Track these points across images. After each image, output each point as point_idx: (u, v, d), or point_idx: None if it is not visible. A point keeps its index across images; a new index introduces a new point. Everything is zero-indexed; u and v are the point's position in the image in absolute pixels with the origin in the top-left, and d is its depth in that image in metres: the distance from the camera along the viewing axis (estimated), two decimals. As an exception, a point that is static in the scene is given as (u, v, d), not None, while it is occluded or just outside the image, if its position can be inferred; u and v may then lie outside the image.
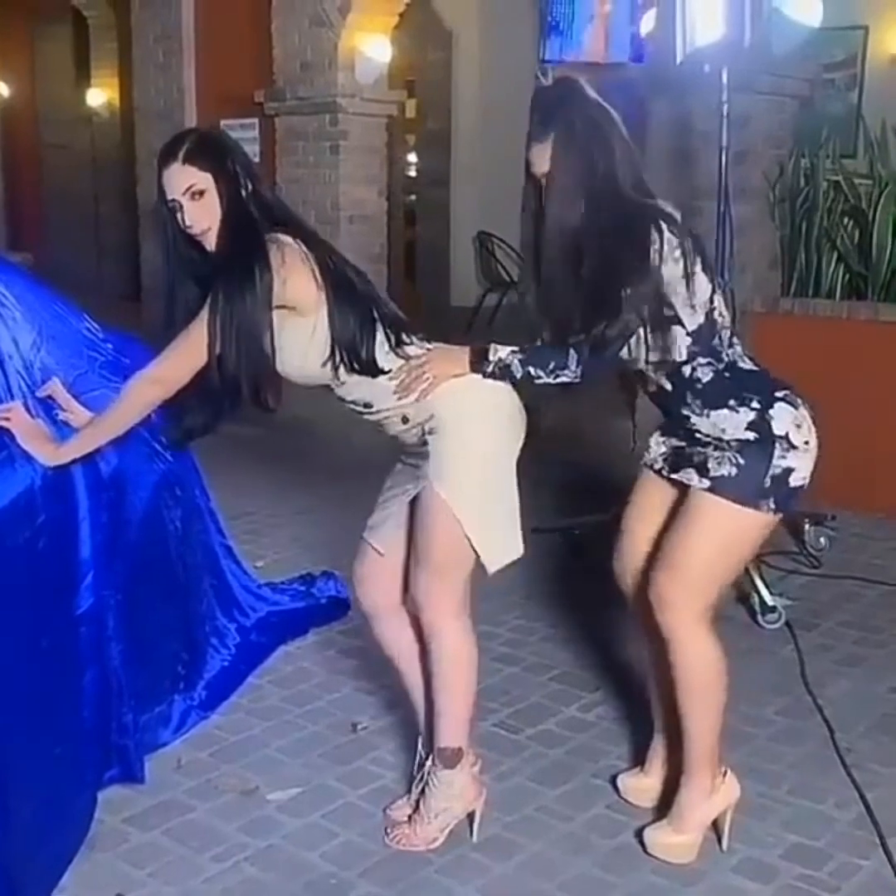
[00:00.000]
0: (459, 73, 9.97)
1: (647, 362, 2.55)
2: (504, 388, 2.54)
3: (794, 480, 2.48)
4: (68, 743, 2.66)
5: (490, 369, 2.50)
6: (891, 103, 5.58)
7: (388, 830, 2.69)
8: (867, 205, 5.22)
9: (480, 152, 10.03)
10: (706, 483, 2.49)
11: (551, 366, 2.46)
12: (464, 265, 10.19)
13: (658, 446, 2.66)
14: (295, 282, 2.40)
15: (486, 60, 9.93)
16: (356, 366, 2.48)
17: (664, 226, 2.41)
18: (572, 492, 5.03)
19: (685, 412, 2.54)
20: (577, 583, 4.22)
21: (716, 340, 2.51)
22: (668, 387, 2.55)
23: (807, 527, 4.54)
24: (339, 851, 2.65)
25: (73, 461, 2.65)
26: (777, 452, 2.45)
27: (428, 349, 2.55)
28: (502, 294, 9.78)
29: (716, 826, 2.67)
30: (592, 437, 5.71)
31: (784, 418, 2.47)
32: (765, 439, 2.46)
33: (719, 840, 2.67)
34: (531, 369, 2.48)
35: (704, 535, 2.51)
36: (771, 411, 2.47)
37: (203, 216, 2.44)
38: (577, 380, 2.46)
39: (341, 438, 5.52)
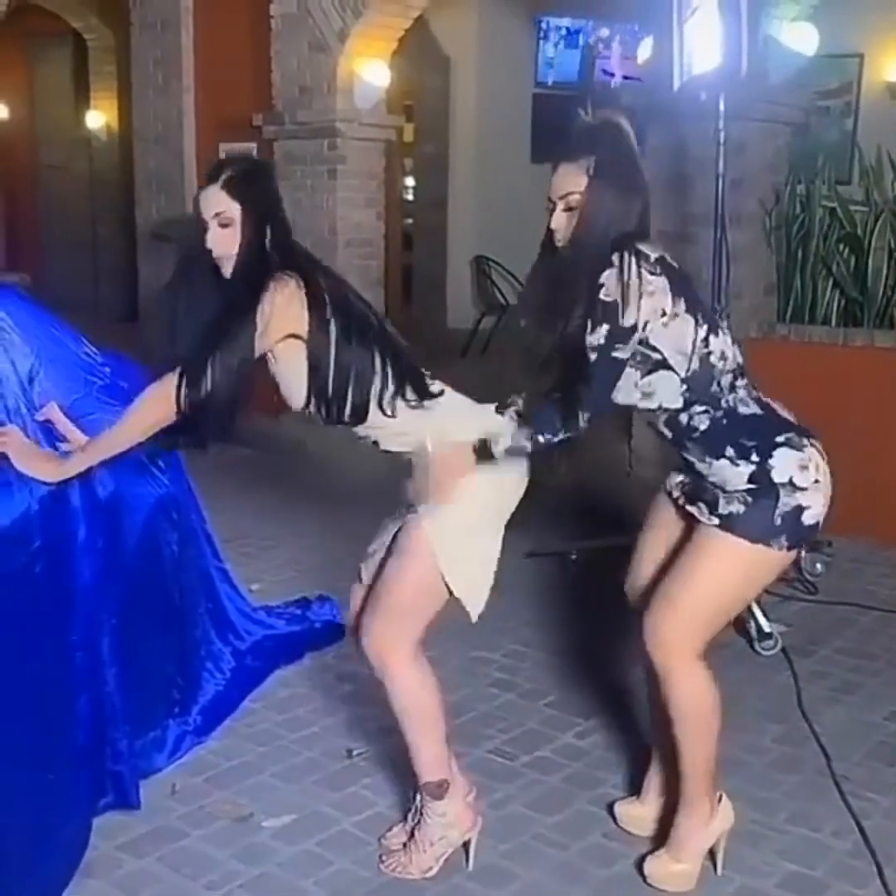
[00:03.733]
0: (457, 98, 10.03)
1: (638, 410, 2.52)
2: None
3: (808, 518, 2.46)
4: (61, 769, 2.64)
5: (500, 459, 2.49)
6: (886, 130, 5.63)
7: (383, 858, 2.67)
8: (863, 231, 5.25)
9: (477, 177, 10.07)
10: (715, 520, 2.48)
11: (558, 424, 2.40)
12: (460, 288, 10.22)
13: (677, 474, 2.65)
14: (277, 325, 2.40)
15: (483, 86, 9.98)
16: (334, 413, 2.48)
17: (636, 261, 2.35)
18: (569, 516, 5.03)
19: (688, 458, 2.54)
20: (574, 608, 4.21)
21: (715, 387, 2.45)
22: (668, 434, 2.54)
23: (803, 553, 4.53)
24: (334, 879, 2.64)
25: (70, 484, 2.65)
26: (783, 496, 2.44)
27: (436, 396, 2.54)
28: (498, 317, 9.80)
29: (711, 852, 2.66)
30: (590, 461, 5.71)
31: (786, 465, 2.45)
32: (768, 489, 2.44)
33: (714, 866, 2.66)
34: (540, 438, 2.43)
35: (708, 572, 2.49)
36: (771, 461, 2.44)
37: (224, 243, 2.46)
38: (579, 435, 2.43)
39: (338, 461, 5.53)
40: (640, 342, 2.39)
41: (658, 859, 2.62)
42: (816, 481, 2.47)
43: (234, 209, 2.45)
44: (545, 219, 2.50)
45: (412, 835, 2.66)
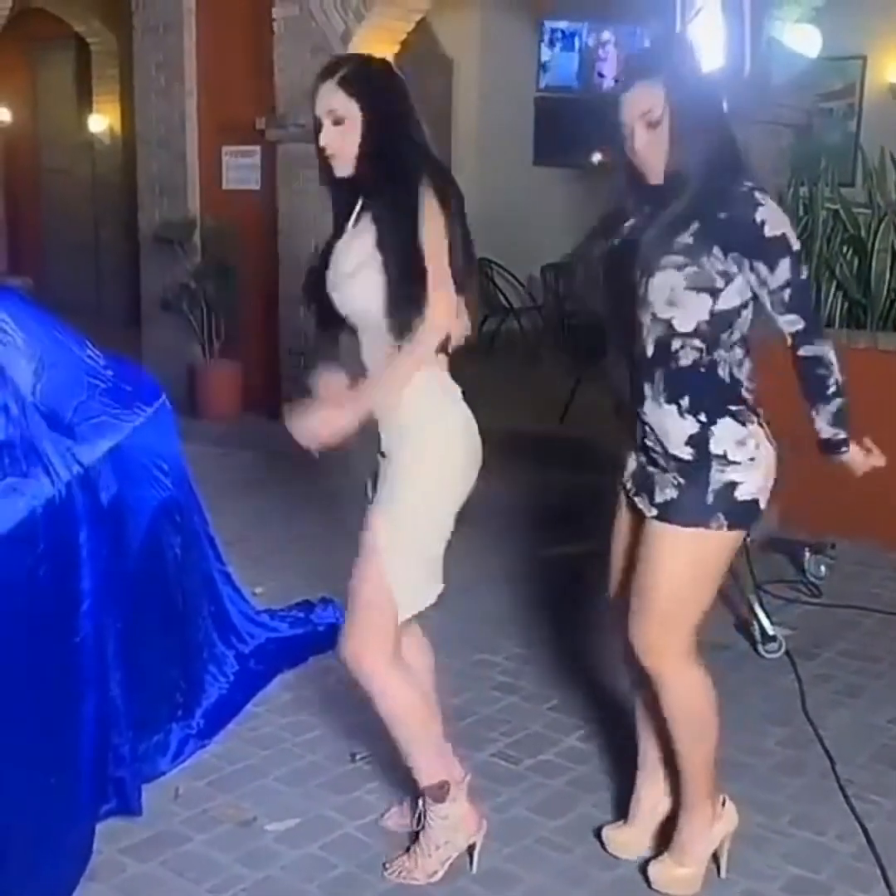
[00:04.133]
0: (459, 99, 10.04)
1: (653, 314, 2.40)
2: (468, 422, 2.52)
3: (742, 494, 2.43)
4: (65, 773, 2.64)
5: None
6: (889, 132, 5.62)
7: (387, 864, 2.66)
8: (866, 234, 5.24)
9: (480, 179, 10.07)
10: (654, 511, 2.48)
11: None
12: (463, 291, 10.22)
13: (628, 465, 2.60)
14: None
15: (485, 88, 10.00)
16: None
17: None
18: (573, 516, 5.02)
19: (645, 392, 2.46)
20: (577, 610, 4.20)
21: (724, 335, 2.41)
22: (649, 352, 2.44)
23: (807, 555, 4.53)
24: (337, 883, 2.64)
25: (72, 488, 2.65)
26: (715, 468, 2.42)
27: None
28: (501, 320, 9.81)
29: (714, 855, 2.66)
30: (594, 462, 5.70)
31: (724, 436, 2.43)
32: (700, 458, 2.42)
33: (718, 869, 2.66)
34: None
35: (663, 566, 2.47)
36: (713, 427, 2.42)
37: (336, 141, 2.39)
38: None
39: (341, 463, 5.53)
40: (736, 261, 2.36)
41: (661, 863, 2.62)
42: (752, 459, 2.44)
43: (350, 107, 2.37)
44: (627, 146, 2.38)
45: (416, 838, 2.65)
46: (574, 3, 9.01)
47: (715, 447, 2.43)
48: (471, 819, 2.66)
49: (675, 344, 2.42)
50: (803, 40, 5.31)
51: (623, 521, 2.67)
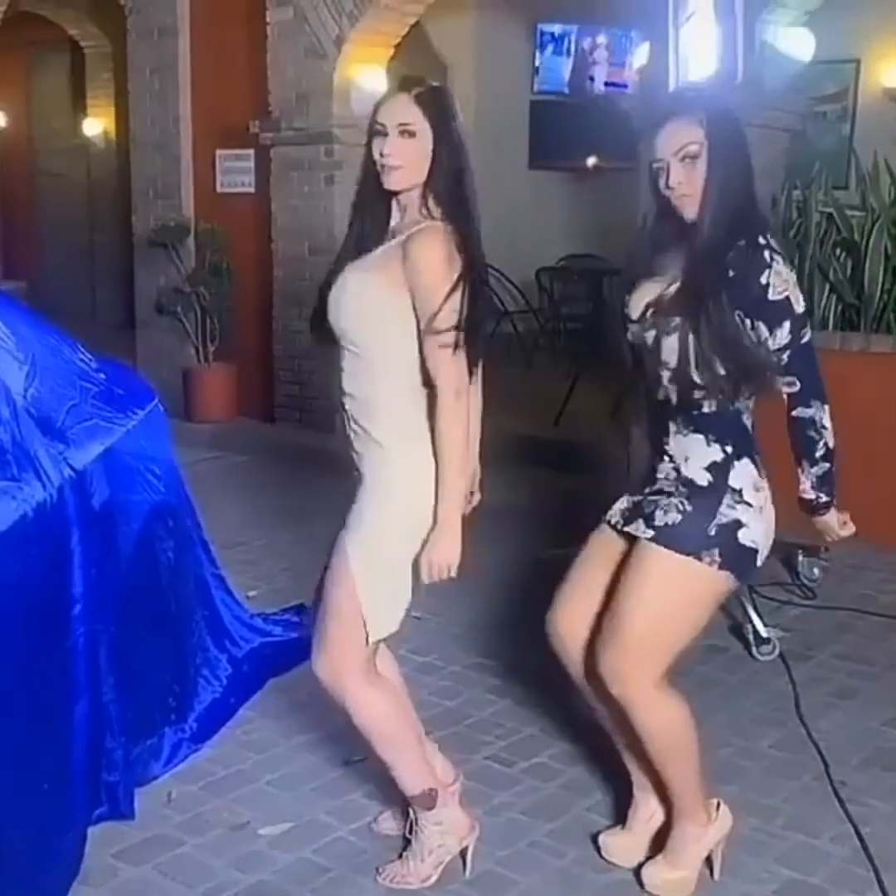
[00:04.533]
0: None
1: (671, 370, 2.41)
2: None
3: (744, 537, 2.43)
4: (57, 778, 2.63)
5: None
6: (883, 135, 5.62)
7: (381, 869, 2.66)
8: (859, 236, 5.24)
9: (476, 182, 10.07)
10: (650, 532, 2.45)
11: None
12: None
13: (618, 503, 2.60)
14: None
15: (480, 93, 9.99)
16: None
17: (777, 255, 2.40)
18: (568, 518, 5.01)
19: (670, 426, 2.47)
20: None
21: (742, 386, 2.43)
22: (673, 400, 2.44)
23: (800, 557, 4.53)
24: (331, 888, 2.63)
25: (64, 492, 2.64)
26: (726, 501, 2.42)
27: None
28: (496, 323, 9.79)
29: (708, 858, 2.65)
30: (589, 464, 5.70)
31: (745, 474, 2.45)
32: (717, 486, 2.42)
33: (711, 872, 2.65)
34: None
35: (646, 589, 2.44)
36: (737, 462, 2.44)
37: (403, 153, 2.36)
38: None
39: (336, 466, 5.53)
40: (740, 319, 2.37)
41: (655, 866, 2.61)
42: (762, 509, 2.46)
43: (421, 124, 2.35)
44: (661, 182, 2.39)
45: (409, 843, 2.65)
46: (568, 7, 9.01)
47: (734, 480, 2.44)
48: (463, 823, 2.65)
49: (698, 394, 2.42)
50: (796, 44, 5.32)
51: (598, 553, 2.63)
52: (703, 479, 2.43)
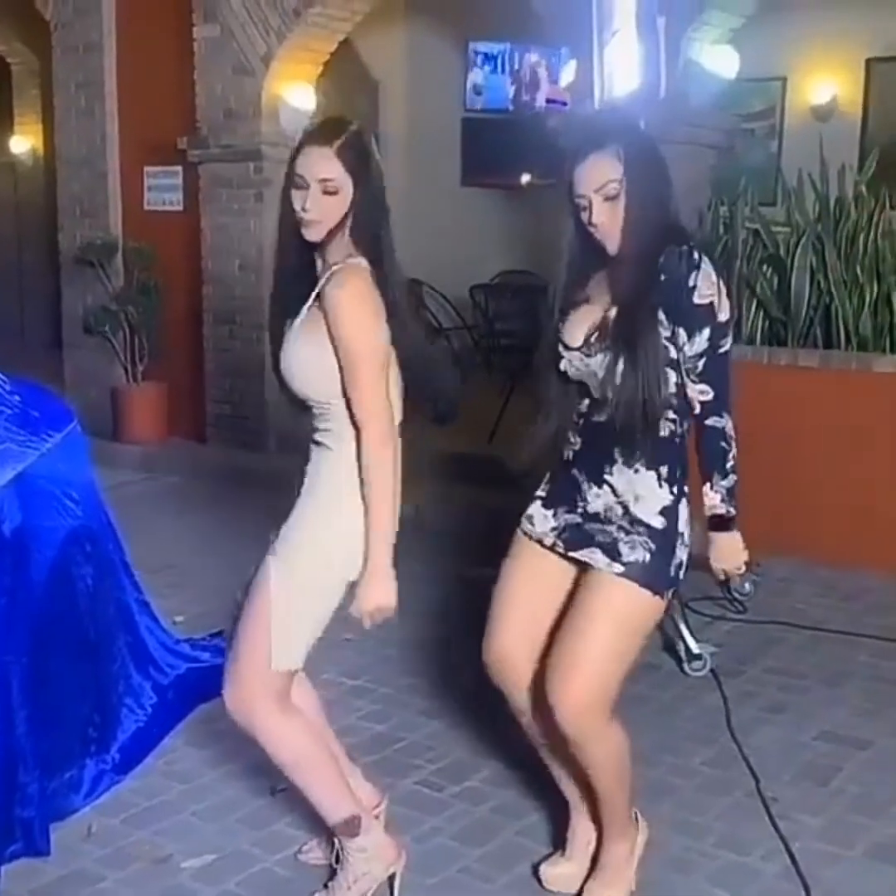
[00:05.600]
0: (386, 122, 10.02)
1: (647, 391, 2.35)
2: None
3: (682, 572, 2.47)
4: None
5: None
6: (809, 152, 5.67)
7: None
8: (785, 252, 5.29)
9: (407, 200, 10.05)
10: (619, 567, 2.39)
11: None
12: (392, 312, 10.19)
13: (545, 520, 2.51)
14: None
15: (412, 110, 10.00)
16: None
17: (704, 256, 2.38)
18: (501, 537, 4.99)
19: (615, 456, 2.41)
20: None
21: (685, 402, 2.42)
22: (619, 423, 2.38)
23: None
24: (255, 921, 2.57)
25: None
26: (678, 544, 2.43)
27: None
28: (431, 342, 9.77)
29: None
30: (523, 482, 5.68)
31: (686, 516, 2.45)
32: (670, 530, 2.41)
33: None
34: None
35: (612, 624, 2.39)
36: (680, 505, 2.44)
37: (324, 210, 2.34)
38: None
39: (269, 485, 5.45)
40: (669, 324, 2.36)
41: (594, 885, 2.57)
42: (688, 543, 2.47)
43: (344, 181, 2.33)
44: (584, 216, 2.37)
45: (334, 873, 2.59)
46: (498, 25, 9.04)
47: (681, 525, 2.43)
48: (389, 848, 2.60)
49: (650, 418, 2.38)
50: (721, 61, 5.37)
51: (531, 572, 2.54)
52: (659, 522, 2.41)
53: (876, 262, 5.10)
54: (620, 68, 4.07)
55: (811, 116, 8.78)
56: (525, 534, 2.56)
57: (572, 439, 2.51)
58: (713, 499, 2.44)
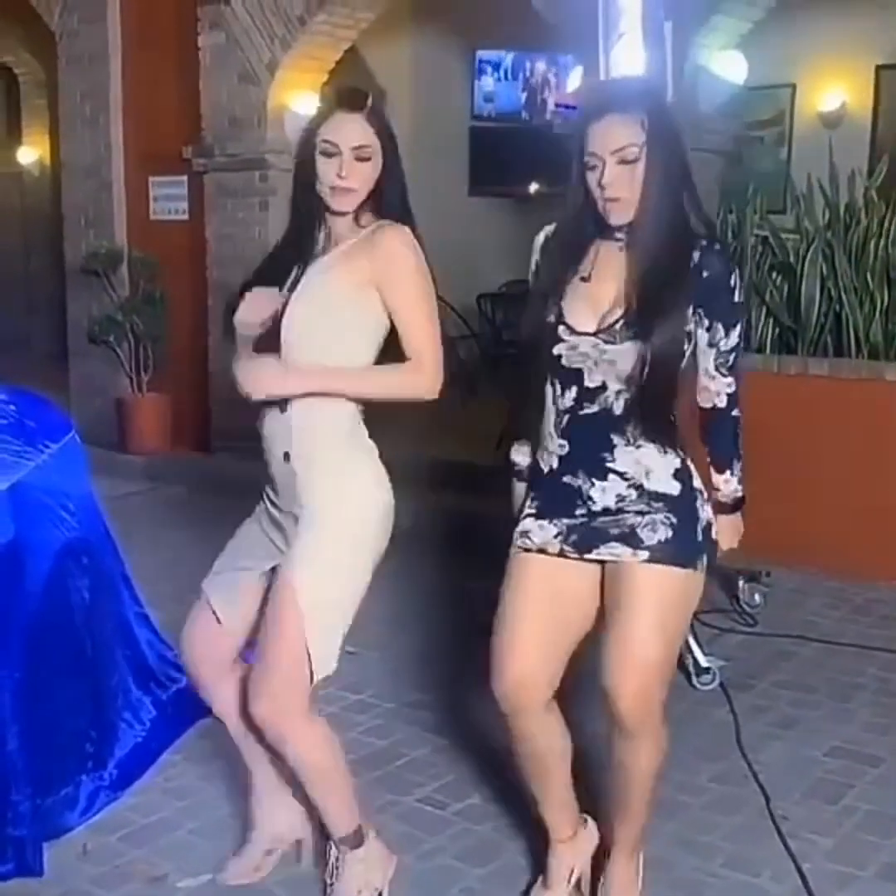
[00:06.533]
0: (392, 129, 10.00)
1: (626, 378, 2.29)
2: (384, 479, 2.44)
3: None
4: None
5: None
6: (818, 159, 5.62)
7: None
8: (795, 259, 5.24)
9: (415, 209, 10.03)
10: (644, 554, 2.29)
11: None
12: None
13: (543, 530, 2.37)
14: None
15: (418, 118, 9.96)
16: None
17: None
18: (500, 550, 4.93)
19: (613, 442, 2.30)
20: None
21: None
22: (618, 411, 2.29)
23: (741, 584, 4.48)
24: (251, 943, 2.51)
25: None
26: (699, 504, 2.35)
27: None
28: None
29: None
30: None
31: (696, 474, 2.38)
32: (687, 491, 2.33)
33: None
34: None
35: (657, 612, 2.29)
36: (689, 463, 2.36)
37: (360, 177, 2.30)
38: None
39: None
40: (697, 318, 2.32)
41: None
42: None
43: (375, 144, 2.29)
44: (591, 177, 2.24)
45: (329, 886, 2.53)
46: (505, 32, 9.02)
47: (695, 482, 2.36)
48: (385, 857, 2.59)
49: (665, 401, 2.32)
50: (730, 67, 5.32)
51: (540, 589, 2.38)
52: (674, 488, 2.32)
53: (887, 268, 5.05)
54: (626, 73, 4.01)
55: (820, 123, 8.74)
56: (525, 550, 2.41)
57: (553, 445, 2.36)
58: (732, 483, 2.43)
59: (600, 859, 2.57)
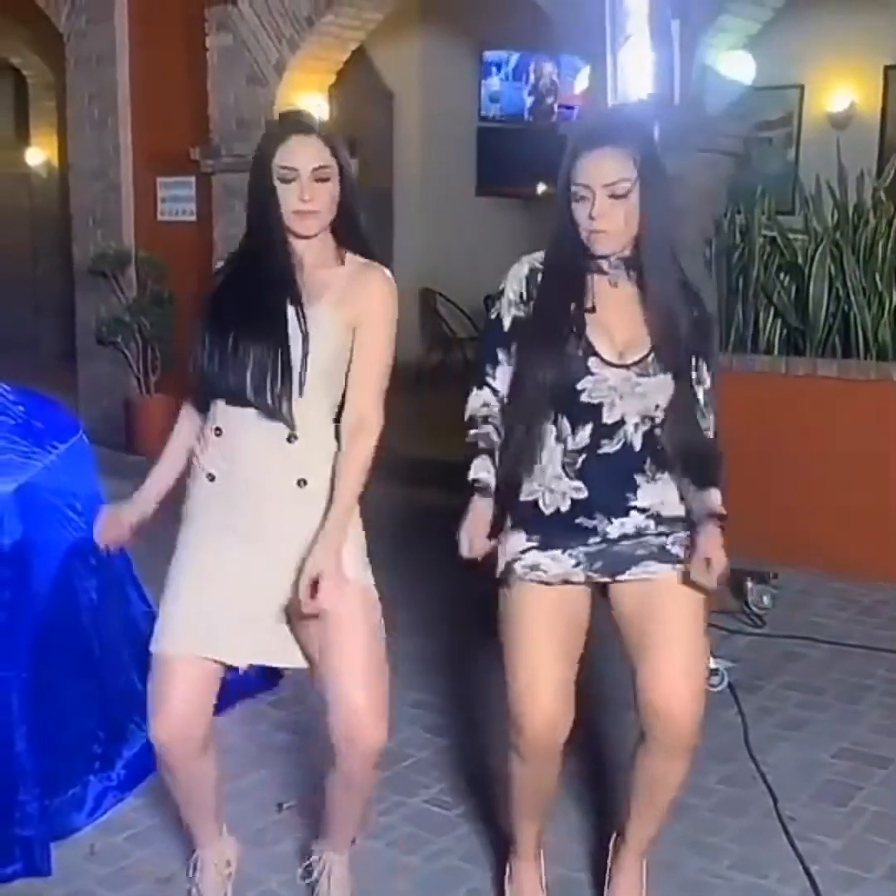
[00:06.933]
0: (401, 131, 10.01)
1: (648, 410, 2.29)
2: None
3: None
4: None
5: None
6: (827, 160, 5.61)
7: None
8: (803, 260, 5.23)
9: (422, 210, 10.04)
10: (682, 567, 2.28)
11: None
12: (406, 322, 10.13)
13: (557, 562, 2.29)
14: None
15: (426, 120, 9.98)
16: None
17: None
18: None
19: (636, 482, 2.28)
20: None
21: None
22: (638, 446, 2.28)
23: (749, 585, 4.46)
24: (258, 944, 2.51)
25: None
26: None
27: None
28: (445, 350, 9.75)
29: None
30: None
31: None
32: (686, 515, 2.34)
33: None
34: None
35: (695, 622, 2.29)
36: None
37: (322, 199, 2.26)
38: None
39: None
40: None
41: None
42: None
43: (334, 166, 2.27)
44: (580, 208, 2.22)
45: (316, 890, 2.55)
46: (511, 34, 9.02)
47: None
48: None
49: (657, 431, 2.31)
50: (737, 67, 5.30)
51: (556, 620, 2.31)
52: (682, 510, 2.34)
53: (895, 269, 5.03)
54: (634, 74, 4.02)
55: (829, 124, 8.72)
56: (539, 582, 2.31)
57: (563, 487, 2.28)
58: (713, 501, 2.29)
59: (608, 862, 2.56)
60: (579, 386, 2.25)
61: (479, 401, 2.36)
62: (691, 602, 2.30)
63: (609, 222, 2.21)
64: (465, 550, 2.28)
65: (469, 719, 3.58)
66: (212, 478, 2.31)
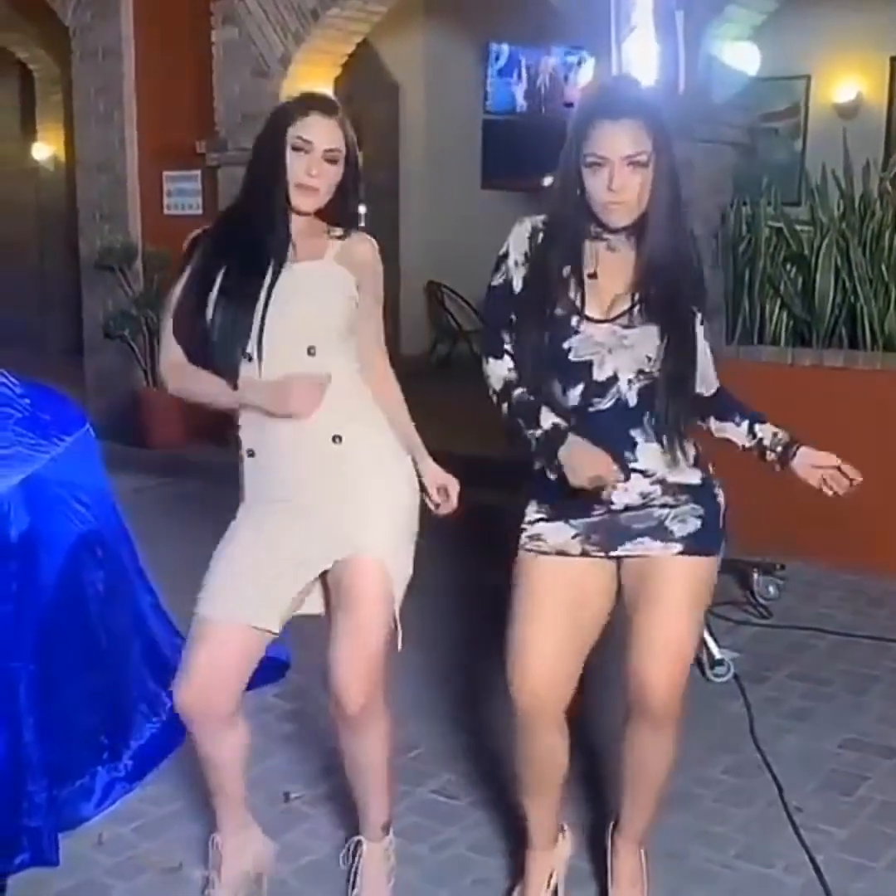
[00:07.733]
0: (406, 124, 10.00)
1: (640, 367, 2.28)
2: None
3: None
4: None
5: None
6: (834, 150, 5.59)
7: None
8: (809, 251, 5.21)
9: (428, 203, 10.03)
10: (676, 547, 2.28)
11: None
12: (413, 314, 10.16)
13: (559, 532, 2.31)
14: None
15: (432, 112, 9.97)
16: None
17: None
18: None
19: (634, 439, 2.26)
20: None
21: None
22: (633, 402, 2.26)
23: (755, 576, 4.47)
24: (266, 933, 2.52)
25: None
26: (716, 489, 2.36)
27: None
28: (451, 343, 9.76)
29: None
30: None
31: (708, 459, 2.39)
32: (708, 479, 2.34)
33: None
34: None
35: (688, 604, 2.29)
36: (701, 449, 2.37)
37: (327, 178, 2.35)
38: None
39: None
40: None
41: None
42: None
43: (342, 150, 2.36)
44: (595, 178, 2.20)
45: (353, 877, 2.55)
46: (519, 26, 9.00)
47: (711, 468, 2.36)
48: None
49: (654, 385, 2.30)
50: (743, 58, 5.29)
51: (557, 592, 2.32)
52: (696, 477, 2.32)
53: (902, 259, 5.02)
54: (639, 65, 4.02)
55: (835, 114, 8.70)
56: (538, 552, 2.34)
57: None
58: (770, 427, 2.44)
59: (607, 852, 2.57)
60: (566, 344, 2.27)
61: (503, 368, 2.37)
62: (684, 582, 2.30)
63: (628, 192, 2.22)
64: (586, 477, 2.20)
65: (477, 709, 3.58)
66: (252, 454, 2.42)
